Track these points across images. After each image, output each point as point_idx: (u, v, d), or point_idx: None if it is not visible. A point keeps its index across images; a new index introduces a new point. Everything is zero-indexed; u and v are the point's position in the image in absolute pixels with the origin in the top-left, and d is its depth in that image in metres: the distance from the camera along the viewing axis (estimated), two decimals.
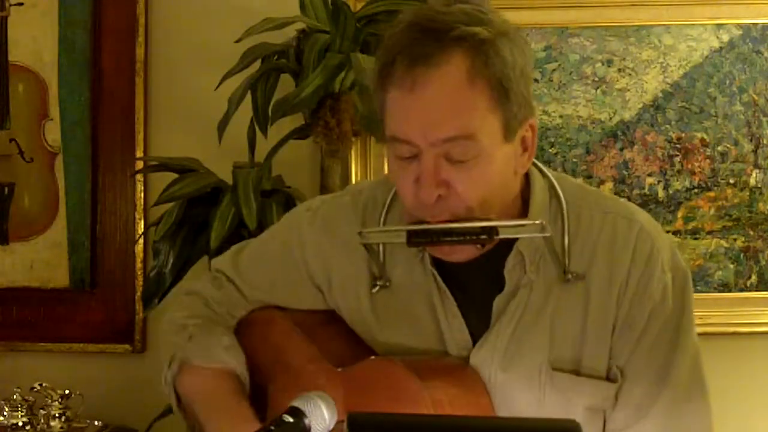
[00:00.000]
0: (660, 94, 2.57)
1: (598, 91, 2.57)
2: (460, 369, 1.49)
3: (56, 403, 2.38)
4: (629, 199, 2.44)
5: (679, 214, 2.56)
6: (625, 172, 2.57)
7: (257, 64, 2.31)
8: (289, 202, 2.29)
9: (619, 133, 2.57)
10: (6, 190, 2.63)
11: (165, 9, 2.63)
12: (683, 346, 1.48)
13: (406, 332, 1.54)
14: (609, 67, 2.57)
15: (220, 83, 2.26)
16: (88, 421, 2.44)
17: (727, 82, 2.56)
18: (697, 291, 1.66)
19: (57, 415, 2.38)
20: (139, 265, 2.60)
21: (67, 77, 2.62)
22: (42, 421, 2.38)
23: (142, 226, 2.59)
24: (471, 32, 1.36)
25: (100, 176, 2.62)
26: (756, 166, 2.56)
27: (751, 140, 2.56)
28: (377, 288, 1.55)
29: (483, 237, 1.39)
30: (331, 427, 1.19)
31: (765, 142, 2.56)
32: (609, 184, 2.56)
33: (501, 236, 1.40)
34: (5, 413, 2.39)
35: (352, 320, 1.60)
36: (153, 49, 2.62)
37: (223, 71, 2.27)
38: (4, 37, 2.63)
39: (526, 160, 1.46)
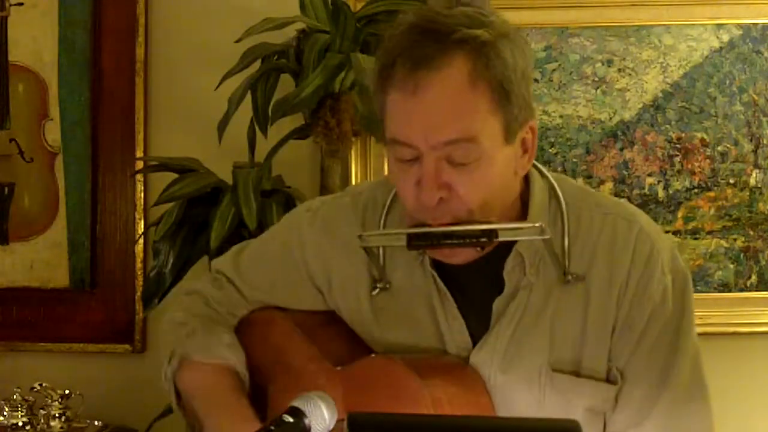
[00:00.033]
0: (660, 94, 2.56)
1: (598, 91, 2.56)
2: (460, 368, 1.49)
3: (56, 403, 2.38)
4: (629, 200, 2.45)
5: (679, 214, 2.56)
6: (625, 172, 2.57)
7: (257, 64, 2.31)
8: (289, 202, 2.29)
9: (619, 133, 2.57)
10: (6, 190, 2.63)
11: (165, 9, 2.62)
12: (683, 348, 1.48)
13: (406, 333, 1.54)
14: (609, 67, 2.57)
15: (220, 83, 2.26)
16: (88, 421, 2.44)
17: (727, 82, 2.56)
18: (697, 291, 1.67)
19: (57, 415, 2.37)
20: (139, 265, 2.60)
21: (67, 77, 2.62)
22: (42, 421, 2.37)
23: (142, 226, 2.59)
24: (472, 35, 1.36)
25: (100, 176, 2.62)
26: (756, 166, 2.56)
27: (751, 140, 2.56)
28: (377, 290, 1.55)
29: (483, 240, 1.39)
30: (331, 427, 1.19)
31: (765, 142, 2.56)
32: (609, 184, 2.56)
33: (500, 239, 1.40)
34: (5, 413, 2.39)
35: (352, 321, 1.60)
36: (153, 49, 2.62)
37: (223, 71, 2.27)
38: (4, 37, 2.63)
39: (527, 161, 1.46)
